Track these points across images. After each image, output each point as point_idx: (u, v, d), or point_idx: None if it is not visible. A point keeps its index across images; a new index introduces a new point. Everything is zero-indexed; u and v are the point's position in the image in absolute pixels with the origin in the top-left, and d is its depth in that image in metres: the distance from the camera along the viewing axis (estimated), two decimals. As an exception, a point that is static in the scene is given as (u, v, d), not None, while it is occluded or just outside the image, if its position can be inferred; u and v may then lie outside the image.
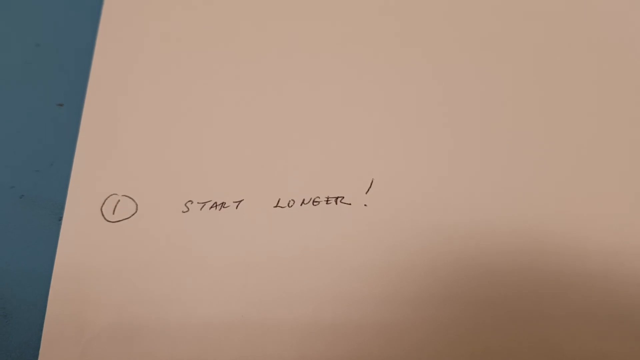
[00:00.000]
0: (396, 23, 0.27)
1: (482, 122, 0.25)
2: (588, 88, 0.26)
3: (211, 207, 0.23)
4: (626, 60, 0.26)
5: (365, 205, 0.23)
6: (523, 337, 0.22)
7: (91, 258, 0.22)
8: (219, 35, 0.27)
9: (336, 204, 0.24)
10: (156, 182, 0.24)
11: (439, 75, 0.26)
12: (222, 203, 0.23)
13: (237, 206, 0.23)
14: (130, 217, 0.23)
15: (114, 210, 0.23)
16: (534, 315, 0.22)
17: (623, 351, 0.21)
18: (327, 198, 0.24)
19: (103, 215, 0.23)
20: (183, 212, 0.23)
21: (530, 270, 0.22)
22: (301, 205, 0.23)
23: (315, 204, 0.23)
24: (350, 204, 0.23)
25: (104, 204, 0.23)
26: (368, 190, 0.24)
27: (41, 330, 0.21)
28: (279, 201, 0.23)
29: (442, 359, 0.21)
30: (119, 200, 0.23)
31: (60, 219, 0.23)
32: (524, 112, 0.25)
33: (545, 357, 0.21)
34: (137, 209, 0.23)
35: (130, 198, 0.23)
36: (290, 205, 0.23)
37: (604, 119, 0.25)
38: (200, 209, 0.23)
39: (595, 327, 0.22)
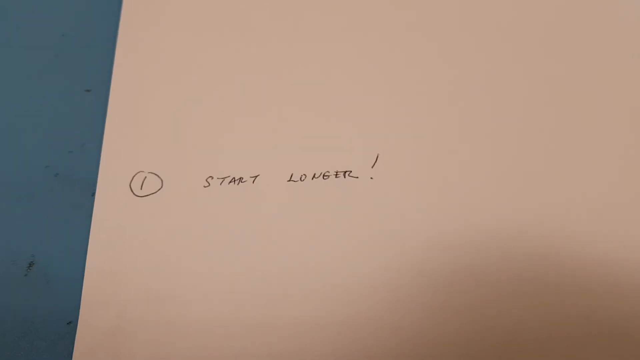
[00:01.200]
0: (405, 10, 0.29)
1: (489, 100, 0.27)
2: (595, 94, 0.27)
3: (230, 182, 0.25)
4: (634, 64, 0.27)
5: (371, 178, 0.25)
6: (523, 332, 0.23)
7: (123, 229, 0.24)
8: (237, 21, 0.29)
9: (344, 177, 0.26)
10: (179, 159, 0.26)
11: (445, 55, 0.28)
12: (240, 178, 0.25)
13: (254, 181, 0.25)
14: (156, 192, 0.25)
15: (141, 186, 0.25)
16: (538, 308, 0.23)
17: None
18: (336, 172, 0.26)
19: (132, 190, 0.25)
20: (204, 186, 0.25)
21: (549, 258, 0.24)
22: (312, 179, 0.26)
23: (325, 177, 0.26)
24: (357, 178, 0.25)
25: (132, 180, 0.25)
26: (374, 164, 0.26)
27: (80, 294, 0.23)
28: (291, 175, 0.26)
29: (445, 347, 0.23)
30: (145, 177, 0.25)
31: (93, 194, 0.25)
32: (534, 95, 0.27)
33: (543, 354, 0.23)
34: (162, 184, 0.25)
35: (156, 175, 0.25)
36: (302, 179, 0.25)
37: (610, 123, 0.26)
38: (220, 184, 0.25)
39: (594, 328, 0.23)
